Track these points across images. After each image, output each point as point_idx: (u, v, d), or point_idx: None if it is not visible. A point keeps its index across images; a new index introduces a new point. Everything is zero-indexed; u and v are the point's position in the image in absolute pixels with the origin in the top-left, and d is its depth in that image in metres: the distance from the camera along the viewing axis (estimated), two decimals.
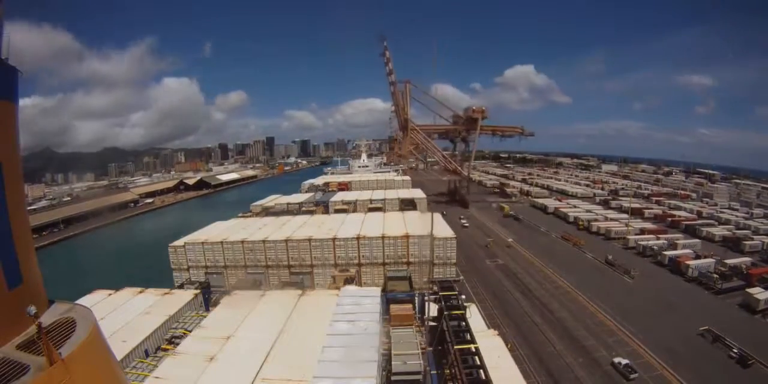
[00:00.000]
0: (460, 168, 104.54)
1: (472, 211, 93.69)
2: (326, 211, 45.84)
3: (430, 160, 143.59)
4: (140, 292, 21.83)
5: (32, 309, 5.27)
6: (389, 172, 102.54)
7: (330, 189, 65.74)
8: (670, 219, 76.84)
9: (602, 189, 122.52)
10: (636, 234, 65.22)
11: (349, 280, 26.41)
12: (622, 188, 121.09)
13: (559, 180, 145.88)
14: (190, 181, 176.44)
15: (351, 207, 47.26)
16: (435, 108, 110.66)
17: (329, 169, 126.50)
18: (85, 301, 20.14)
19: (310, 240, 29.44)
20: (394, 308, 18.14)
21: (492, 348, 17.92)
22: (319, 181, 75.45)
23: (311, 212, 44.26)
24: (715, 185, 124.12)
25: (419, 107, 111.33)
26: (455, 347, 15.73)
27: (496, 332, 21.57)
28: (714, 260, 50.10)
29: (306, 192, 64.08)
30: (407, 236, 29.01)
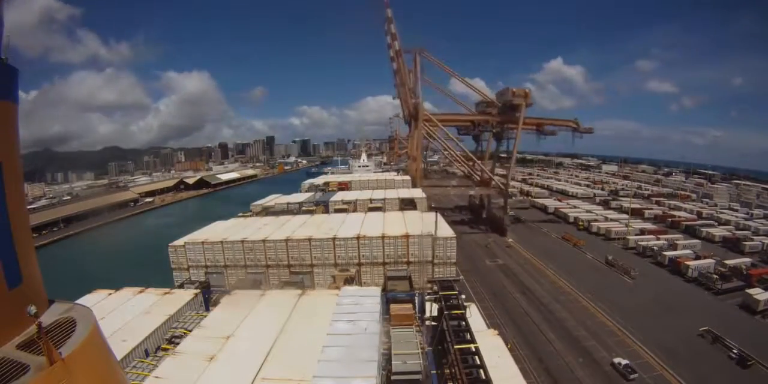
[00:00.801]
0: (491, 176, 74.99)
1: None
2: (326, 211, 45.83)
3: (430, 160, 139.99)
4: (140, 291, 21.83)
5: (32, 309, 5.26)
6: (389, 171, 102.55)
7: (330, 189, 65.73)
8: (670, 219, 76.82)
9: (602, 189, 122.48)
10: (636, 234, 65.20)
11: (349, 280, 26.42)
12: (622, 189, 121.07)
13: (560, 180, 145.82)
14: (190, 181, 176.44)
15: (351, 207, 47.26)
16: (456, 98, 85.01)
17: (329, 168, 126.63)
18: (85, 301, 20.15)
19: (310, 240, 29.44)
20: (394, 308, 18.14)
21: (492, 348, 17.94)
22: (319, 180, 75.47)
23: (311, 212, 44.25)
24: (715, 186, 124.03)
25: (431, 98, 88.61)
26: (455, 347, 15.70)
27: (496, 332, 21.57)
28: (714, 261, 50.09)
29: (306, 192, 64.08)
30: (407, 236, 29.01)
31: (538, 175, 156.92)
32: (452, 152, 79.95)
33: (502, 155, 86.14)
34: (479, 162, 77.86)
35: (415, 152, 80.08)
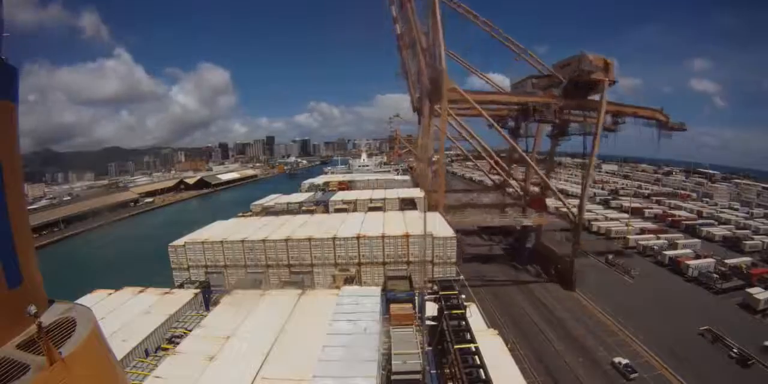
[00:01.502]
0: (558, 194, 52.46)
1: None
2: (326, 211, 45.83)
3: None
4: (140, 291, 21.83)
5: (32, 308, 5.26)
6: (389, 171, 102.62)
7: (330, 188, 65.74)
8: (670, 219, 76.85)
9: (602, 189, 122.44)
10: (636, 234, 65.24)
11: (349, 280, 26.45)
12: (623, 188, 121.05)
13: (560, 179, 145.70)
14: (190, 181, 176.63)
15: (351, 206, 47.24)
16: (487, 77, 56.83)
17: (329, 168, 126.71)
18: (85, 300, 20.16)
19: (310, 239, 29.41)
20: (394, 308, 18.13)
21: (492, 348, 17.91)
22: (319, 180, 75.47)
23: (311, 212, 44.22)
24: (715, 185, 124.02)
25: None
26: (455, 347, 15.72)
27: (496, 332, 21.55)
28: (714, 260, 50.12)
29: (306, 191, 64.08)
30: (407, 235, 28.97)
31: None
32: (488, 153, 53.01)
33: (502, 155, 59.46)
34: (540, 171, 52.65)
35: (431, 150, 52.35)
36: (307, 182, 72.66)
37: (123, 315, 18.78)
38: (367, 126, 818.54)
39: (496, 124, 50.69)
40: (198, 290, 22.76)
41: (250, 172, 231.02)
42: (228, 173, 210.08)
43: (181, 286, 26.28)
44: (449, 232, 30.44)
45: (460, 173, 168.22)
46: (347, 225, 32.85)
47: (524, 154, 53.92)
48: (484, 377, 13.88)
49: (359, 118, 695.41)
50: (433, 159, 53.57)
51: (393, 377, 14.15)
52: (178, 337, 17.28)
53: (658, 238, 61.59)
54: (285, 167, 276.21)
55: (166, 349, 16.48)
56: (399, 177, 79.16)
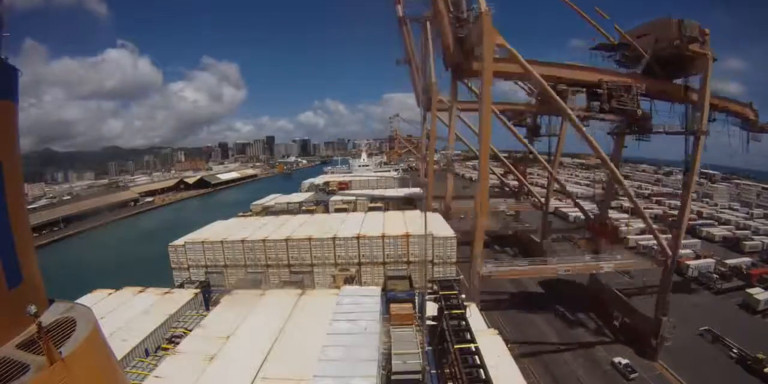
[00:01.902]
0: (648, 219, 42.58)
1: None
2: (326, 211, 45.86)
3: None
4: (140, 291, 21.85)
5: (32, 308, 5.26)
6: (389, 171, 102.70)
7: (330, 188, 65.78)
8: (670, 219, 76.69)
9: (602, 189, 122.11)
10: (636, 234, 65.19)
11: (349, 280, 26.45)
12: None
13: (560, 179, 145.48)
14: (190, 180, 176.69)
15: (351, 206, 47.28)
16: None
17: (329, 168, 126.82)
18: (85, 300, 20.16)
19: (310, 239, 29.42)
20: (394, 307, 18.12)
21: (492, 347, 17.91)
22: (319, 180, 75.47)
23: (311, 211, 44.24)
24: (715, 185, 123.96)
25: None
26: (455, 346, 15.70)
27: (496, 332, 21.55)
28: (714, 260, 50.11)
29: (306, 191, 64.10)
30: (407, 235, 28.98)
31: (538, 175, 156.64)
32: (534, 155, 45.16)
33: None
34: (627, 185, 41.18)
35: (452, 148, 43.60)
36: (307, 182, 72.64)
37: (123, 315, 18.79)
38: (375, 124, 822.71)
39: (573, 119, 32.54)
40: (198, 290, 22.77)
41: (250, 171, 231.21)
42: (228, 173, 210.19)
43: (181, 285, 26.28)
44: (449, 232, 30.43)
45: (460, 173, 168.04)
46: (347, 225, 32.87)
47: (608, 159, 37.46)
48: (484, 377, 13.87)
49: (366, 116, 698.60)
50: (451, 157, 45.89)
51: (393, 377, 14.14)
52: (178, 336, 17.29)
53: None
54: (285, 167, 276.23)
55: (166, 349, 16.49)
56: (399, 176, 79.15)
